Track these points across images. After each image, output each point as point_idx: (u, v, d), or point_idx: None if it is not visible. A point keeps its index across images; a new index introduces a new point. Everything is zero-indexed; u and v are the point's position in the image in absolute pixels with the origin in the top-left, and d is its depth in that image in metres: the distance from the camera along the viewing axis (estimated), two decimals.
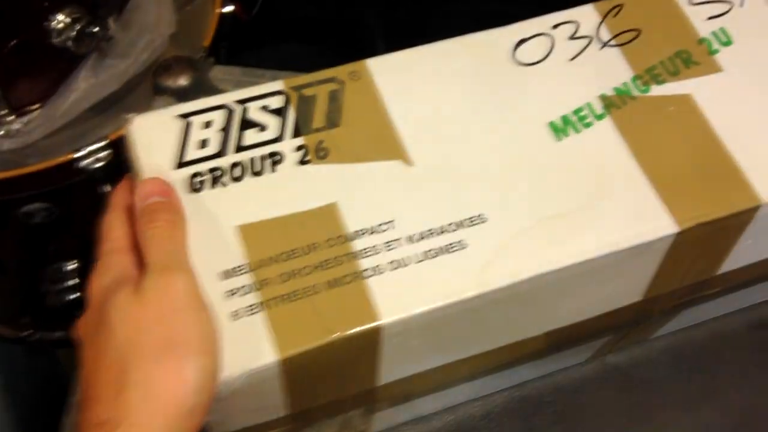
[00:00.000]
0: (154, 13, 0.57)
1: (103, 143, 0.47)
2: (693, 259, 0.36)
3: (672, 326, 0.46)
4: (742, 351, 0.46)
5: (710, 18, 0.39)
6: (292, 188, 0.34)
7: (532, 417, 0.44)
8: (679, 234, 0.34)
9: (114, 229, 0.32)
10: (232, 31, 0.63)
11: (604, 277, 0.35)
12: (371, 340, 0.32)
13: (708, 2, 0.40)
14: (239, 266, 0.32)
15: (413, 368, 0.36)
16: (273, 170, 0.34)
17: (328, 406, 0.36)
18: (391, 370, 0.35)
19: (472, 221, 0.33)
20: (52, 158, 0.47)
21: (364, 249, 0.32)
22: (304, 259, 0.32)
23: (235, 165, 0.34)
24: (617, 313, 0.38)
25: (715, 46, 0.38)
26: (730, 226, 0.35)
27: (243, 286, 0.31)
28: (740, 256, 0.38)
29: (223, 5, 0.60)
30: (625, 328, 0.42)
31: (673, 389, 0.45)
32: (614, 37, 0.38)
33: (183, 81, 0.51)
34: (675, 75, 0.37)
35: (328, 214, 0.33)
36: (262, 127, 0.35)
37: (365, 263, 0.32)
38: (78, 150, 0.47)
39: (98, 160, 0.47)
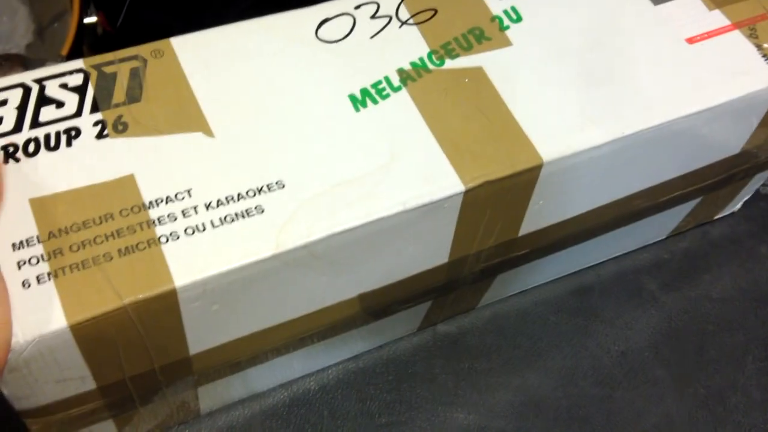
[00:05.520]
0: (7, 24, 0.56)
1: None
2: (490, 219, 0.39)
3: (497, 294, 0.48)
4: (563, 316, 0.49)
5: None
6: (88, 161, 0.34)
7: (366, 387, 0.46)
8: (467, 192, 0.36)
9: None
10: (99, 41, 0.63)
11: (403, 238, 0.37)
12: (168, 306, 0.32)
13: None
14: (30, 237, 0.32)
15: (224, 336, 0.36)
16: (69, 145, 0.34)
17: (140, 378, 0.36)
18: (199, 338, 0.35)
19: (270, 187, 0.35)
20: None
21: (160, 217, 0.33)
22: (97, 228, 0.32)
23: (29, 141, 0.34)
24: (426, 275, 0.40)
25: (506, 23, 0.41)
26: (517, 185, 0.37)
27: (33, 257, 0.31)
28: (536, 217, 0.40)
29: (86, 15, 0.60)
30: (443, 293, 0.44)
31: (500, 354, 0.47)
32: (412, 16, 0.41)
33: None
34: (468, 50, 0.40)
35: (125, 185, 0.34)
36: (60, 104, 0.35)
37: (160, 230, 0.33)
38: None
39: None
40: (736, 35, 0.43)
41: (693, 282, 0.52)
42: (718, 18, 0.43)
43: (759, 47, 0.42)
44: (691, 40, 0.42)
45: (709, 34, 0.42)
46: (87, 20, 0.61)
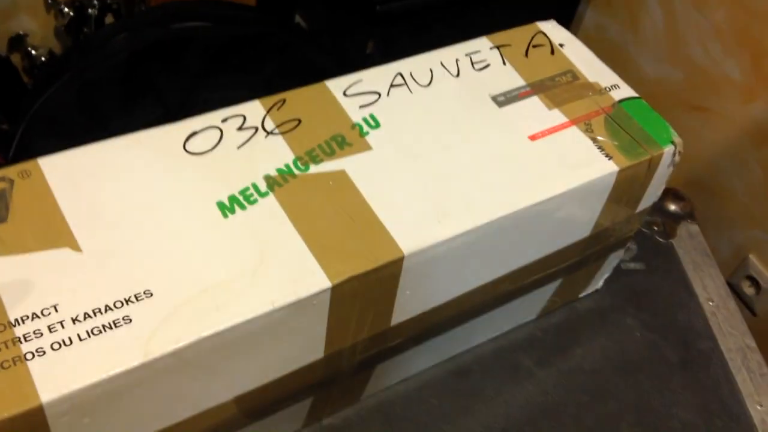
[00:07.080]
0: None
1: None
2: (360, 312, 0.40)
3: (380, 384, 0.50)
4: (445, 398, 0.51)
5: (362, 106, 0.46)
6: None
7: None
8: (334, 288, 0.38)
9: None
10: None
11: (275, 337, 0.38)
12: (36, 422, 0.32)
13: (360, 94, 0.46)
14: None
15: None
16: None
17: None
18: None
19: (137, 297, 0.36)
20: None
21: (26, 334, 0.33)
22: None
23: None
24: (303, 372, 0.41)
25: (366, 129, 0.45)
26: (383, 278, 0.40)
27: None
28: (406, 306, 0.43)
29: None
30: (324, 388, 0.45)
31: None
32: (278, 126, 0.44)
33: None
34: (331, 155, 0.43)
35: None
36: None
37: (26, 347, 0.33)
38: None
39: None
40: (574, 131, 0.47)
41: (566, 356, 0.55)
42: (557, 116, 0.48)
43: (594, 140, 0.47)
44: (533, 137, 0.46)
45: (550, 131, 0.47)
46: None
